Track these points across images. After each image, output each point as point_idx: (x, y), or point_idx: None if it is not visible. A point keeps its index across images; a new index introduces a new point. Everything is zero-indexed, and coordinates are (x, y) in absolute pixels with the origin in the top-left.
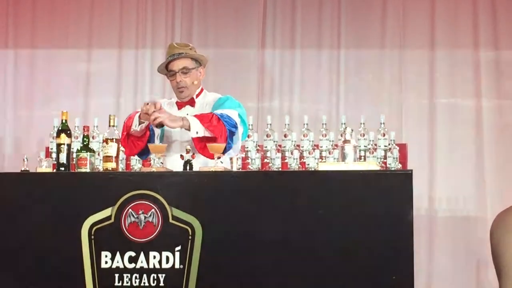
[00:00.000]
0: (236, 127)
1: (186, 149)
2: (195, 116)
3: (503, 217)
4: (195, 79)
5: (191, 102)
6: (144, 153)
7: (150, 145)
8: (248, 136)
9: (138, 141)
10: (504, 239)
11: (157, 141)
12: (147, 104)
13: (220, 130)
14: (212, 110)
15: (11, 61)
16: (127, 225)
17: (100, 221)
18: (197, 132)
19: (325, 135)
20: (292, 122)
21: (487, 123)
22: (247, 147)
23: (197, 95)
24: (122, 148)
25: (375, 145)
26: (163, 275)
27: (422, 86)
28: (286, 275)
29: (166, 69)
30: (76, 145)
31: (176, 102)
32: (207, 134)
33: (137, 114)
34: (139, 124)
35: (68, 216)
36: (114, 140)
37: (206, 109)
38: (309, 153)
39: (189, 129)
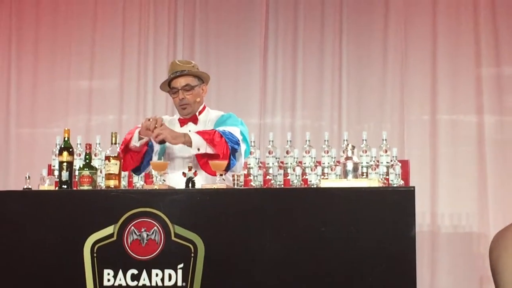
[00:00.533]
0: (238, 144)
1: (188, 167)
2: (197, 132)
3: (502, 234)
4: (198, 96)
5: (194, 119)
6: (139, 169)
7: (152, 163)
8: (250, 153)
9: (135, 157)
10: (502, 257)
11: (155, 157)
12: (149, 119)
13: (222, 147)
14: (214, 127)
15: (13, 78)
16: (129, 242)
17: (103, 238)
18: (198, 149)
19: (327, 152)
20: (294, 139)
21: (489, 139)
22: (249, 164)
23: (200, 112)
24: None
25: (377, 161)
26: None
27: (424, 102)
28: None
29: (169, 86)
30: (79, 162)
31: (179, 119)
32: (209, 150)
33: (137, 130)
34: (139, 140)
35: (71, 233)
36: (117, 157)
37: (209, 126)
38: (311, 169)
39: (190, 146)
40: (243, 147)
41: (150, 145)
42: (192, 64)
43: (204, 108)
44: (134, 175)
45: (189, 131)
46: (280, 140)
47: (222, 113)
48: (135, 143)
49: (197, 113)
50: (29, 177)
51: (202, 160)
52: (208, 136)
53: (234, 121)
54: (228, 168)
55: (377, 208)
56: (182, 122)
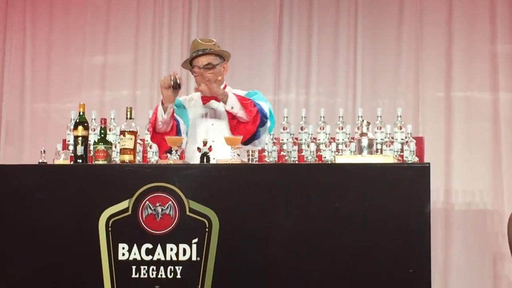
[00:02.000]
0: (267, 118)
1: (203, 141)
2: (235, 94)
3: None
4: (219, 74)
5: (216, 97)
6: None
7: (167, 138)
8: None
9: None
10: None
11: (184, 135)
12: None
13: (254, 115)
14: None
15: (28, 54)
16: (144, 217)
17: (117, 213)
18: (232, 107)
19: (342, 128)
20: (309, 115)
21: (504, 116)
22: None
23: None
24: (139, 141)
25: (392, 138)
26: (180, 267)
27: (439, 79)
28: (302, 268)
29: (190, 65)
30: (93, 137)
31: (202, 97)
32: (241, 113)
33: (160, 105)
34: (165, 112)
35: (86, 208)
36: (131, 132)
37: None
38: (325, 146)
39: (225, 102)
40: (268, 123)
41: (177, 119)
42: (214, 42)
43: (225, 86)
44: (149, 150)
45: (212, 108)
46: (294, 116)
47: (244, 92)
48: (163, 116)
49: None
50: (44, 151)
51: (232, 123)
52: (244, 100)
53: (261, 97)
54: (253, 138)
55: (392, 184)
56: (205, 100)
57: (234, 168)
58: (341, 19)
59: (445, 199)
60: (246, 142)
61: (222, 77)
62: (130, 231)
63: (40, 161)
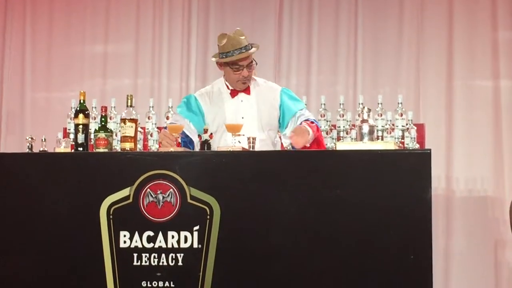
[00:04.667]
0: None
1: (204, 129)
2: (304, 128)
3: None
4: (254, 69)
5: (246, 90)
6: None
7: (168, 126)
8: None
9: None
10: None
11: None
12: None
13: (322, 138)
14: (281, 103)
15: (28, 43)
16: (145, 205)
17: (119, 201)
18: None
19: (343, 115)
20: (310, 102)
21: (505, 103)
22: None
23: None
24: (139, 129)
25: (393, 125)
26: (182, 254)
27: (440, 66)
28: (303, 255)
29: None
30: (94, 126)
31: (231, 91)
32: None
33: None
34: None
35: (87, 196)
36: (132, 120)
37: (265, 98)
38: (326, 133)
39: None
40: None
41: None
42: (244, 36)
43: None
44: (149, 138)
45: (241, 101)
46: None
47: (271, 83)
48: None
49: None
50: (45, 139)
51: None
52: (315, 132)
53: (296, 98)
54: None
55: (393, 171)
56: (234, 93)
57: (235, 155)
58: (342, 7)
59: (446, 186)
60: None
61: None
62: (131, 219)
63: (41, 149)
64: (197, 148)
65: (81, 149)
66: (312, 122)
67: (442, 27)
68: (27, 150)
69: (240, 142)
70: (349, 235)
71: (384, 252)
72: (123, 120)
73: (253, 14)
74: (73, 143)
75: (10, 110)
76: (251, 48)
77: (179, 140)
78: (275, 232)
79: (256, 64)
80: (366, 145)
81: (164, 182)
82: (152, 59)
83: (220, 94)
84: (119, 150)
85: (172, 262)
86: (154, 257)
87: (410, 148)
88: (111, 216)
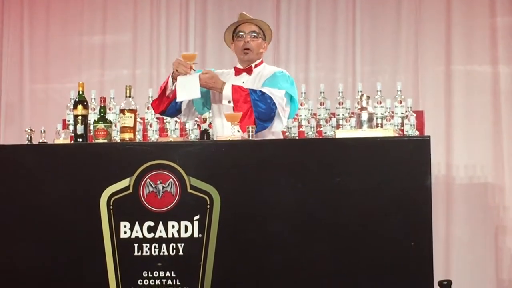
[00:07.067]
0: (274, 106)
1: (203, 119)
2: (234, 87)
3: None
4: (260, 47)
5: (249, 70)
6: (172, 110)
7: (182, 54)
8: None
9: (166, 100)
10: None
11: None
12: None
13: (244, 110)
14: (264, 84)
15: (26, 34)
16: (145, 195)
17: (119, 191)
18: (229, 102)
19: (342, 103)
20: (309, 91)
21: (504, 89)
22: None
23: (256, 65)
24: (139, 119)
25: (392, 112)
26: (182, 244)
27: (439, 53)
28: (304, 243)
29: (233, 32)
30: (93, 117)
31: (235, 68)
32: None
33: (170, 75)
34: (173, 84)
35: (87, 186)
36: (131, 110)
37: (261, 81)
38: (325, 121)
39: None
40: (286, 109)
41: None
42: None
43: (261, 62)
44: (149, 129)
45: (243, 82)
46: None
47: (276, 69)
48: (172, 87)
49: (253, 65)
50: (44, 131)
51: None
52: (237, 95)
53: (283, 81)
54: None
55: (392, 158)
56: (237, 72)
57: (235, 144)
58: None
59: (446, 172)
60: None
61: (260, 53)
62: (131, 209)
63: (40, 140)
64: (181, 117)
65: (80, 140)
66: (263, 94)
67: (440, 13)
68: (27, 141)
69: (239, 131)
70: (349, 223)
71: (385, 239)
72: (122, 111)
73: (251, 4)
74: (73, 134)
75: (9, 102)
76: (256, 21)
77: (194, 67)
78: (275, 220)
79: (265, 41)
80: (366, 132)
81: (164, 172)
82: (150, 49)
83: (228, 73)
84: (119, 140)
85: (172, 252)
86: (155, 247)
87: (410, 135)
88: (111, 207)
